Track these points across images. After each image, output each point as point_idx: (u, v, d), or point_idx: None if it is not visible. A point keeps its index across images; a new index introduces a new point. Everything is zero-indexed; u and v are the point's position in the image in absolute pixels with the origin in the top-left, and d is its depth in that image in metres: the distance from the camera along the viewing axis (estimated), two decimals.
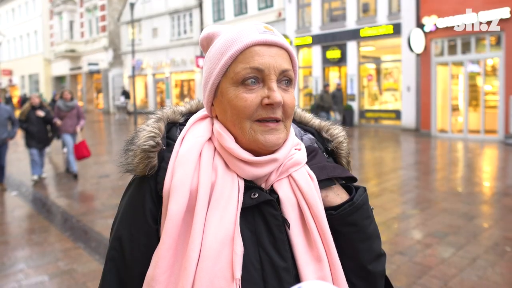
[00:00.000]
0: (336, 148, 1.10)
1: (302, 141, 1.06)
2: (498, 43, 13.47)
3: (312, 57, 20.10)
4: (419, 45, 15.05)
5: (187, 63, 26.91)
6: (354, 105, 18.82)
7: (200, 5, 26.04)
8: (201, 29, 25.98)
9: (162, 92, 30.39)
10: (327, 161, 1.05)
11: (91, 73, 34.68)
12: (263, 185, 0.94)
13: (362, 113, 18.87)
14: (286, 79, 0.93)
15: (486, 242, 4.82)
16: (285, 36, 19.90)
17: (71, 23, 36.32)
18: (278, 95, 0.89)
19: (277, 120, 0.91)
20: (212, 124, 0.99)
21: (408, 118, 16.69)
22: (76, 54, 35.68)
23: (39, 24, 40.22)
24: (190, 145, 0.93)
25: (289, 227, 0.92)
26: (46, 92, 39.99)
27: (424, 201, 6.69)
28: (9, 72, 43.82)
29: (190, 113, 1.06)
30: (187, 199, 0.89)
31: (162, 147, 0.95)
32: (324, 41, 19.46)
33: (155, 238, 0.92)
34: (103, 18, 33.33)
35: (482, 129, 13.84)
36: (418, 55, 15.53)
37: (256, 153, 0.92)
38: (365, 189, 1.01)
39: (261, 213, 0.92)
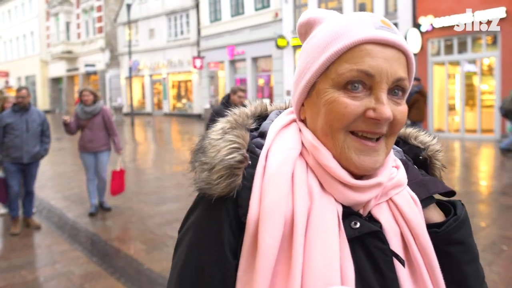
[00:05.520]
0: (430, 157, 0.94)
1: None
2: (494, 42, 13.51)
3: None
4: (415, 44, 15.08)
5: (184, 63, 26.86)
6: None
7: (197, 6, 25.99)
8: (198, 30, 26.00)
9: (159, 93, 30.33)
10: (421, 174, 0.90)
11: (88, 75, 34.53)
12: (360, 211, 0.79)
13: None
14: (399, 89, 0.76)
15: (483, 241, 4.83)
16: (282, 37, 19.94)
17: (68, 24, 36.23)
18: (387, 110, 0.72)
19: (377, 138, 0.76)
20: (300, 132, 0.83)
21: None
22: (73, 55, 35.58)
23: (36, 25, 40.09)
24: (281, 160, 0.77)
25: (404, 265, 0.78)
26: (43, 93, 39.90)
27: None
28: (6, 74, 43.66)
29: (254, 117, 0.90)
30: (282, 228, 0.72)
31: (248, 162, 0.78)
32: None
33: (233, 277, 0.75)
34: (99, 19, 33.24)
35: (479, 129, 13.88)
36: (414, 54, 15.56)
37: (350, 173, 0.77)
38: (462, 203, 0.89)
39: (363, 245, 0.76)
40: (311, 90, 0.80)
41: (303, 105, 0.83)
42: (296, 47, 20.23)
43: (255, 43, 22.01)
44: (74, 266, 4.40)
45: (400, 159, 0.89)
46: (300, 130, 0.83)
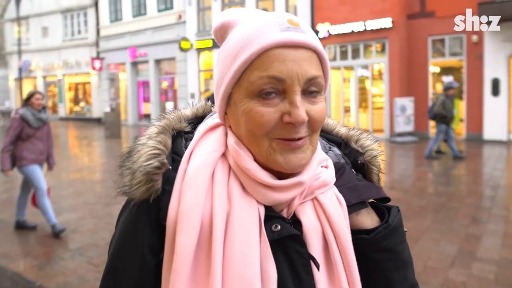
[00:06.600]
0: (368, 162, 0.93)
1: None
2: (383, 49, 14.71)
3: (213, 60, 20.14)
4: None
5: (82, 65, 25.43)
6: None
7: (96, 4, 24.76)
8: (97, 30, 24.77)
9: (54, 96, 28.38)
10: (357, 179, 0.90)
11: None
12: (284, 211, 0.79)
13: None
14: (314, 89, 0.75)
15: None
16: (186, 39, 19.74)
17: None
18: (301, 112, 0.72)
19: (300, 138, 0.75)
20: (226, 135, 0.83)
21: None
22: None
23: None
24: (201, 162, 0.77)
25: (318, 268, 0.78)
26: None
27: None
28: None
29: (196, 118, 0.91)
30: (199, 230, 0.73)
31: (168, 167, 0.78)
32: None
33: (153, 275, 0.79)
34: None
35: (371, 129, 15.02)
36: None
37: (277, 173, 0.78)
38: (398, 209, 0.87)
39: (283, 248, 0.77)
40: (229, 100, 0.79)
41: (226, 113, 0.82)
42: (200, 50, 20.16)
43: (158, 45, 21.55)
44: None
45: (336, 162, 0.89)
46: (227, 133, 0.83)
